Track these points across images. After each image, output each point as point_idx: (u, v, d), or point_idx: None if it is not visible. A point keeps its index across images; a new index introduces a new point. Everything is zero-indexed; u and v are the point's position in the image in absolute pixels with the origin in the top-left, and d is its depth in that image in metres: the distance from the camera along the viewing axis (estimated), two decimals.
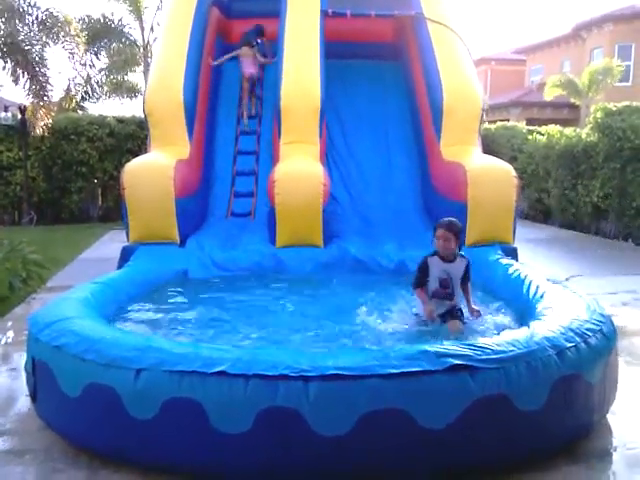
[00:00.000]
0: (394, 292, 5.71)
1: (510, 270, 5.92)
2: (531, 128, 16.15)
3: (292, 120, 8.14)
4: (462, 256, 4.84)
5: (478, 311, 4.83)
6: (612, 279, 8.13)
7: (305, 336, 4.59)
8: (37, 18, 13.94)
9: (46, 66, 14.05)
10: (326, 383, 3.00)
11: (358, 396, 2.99)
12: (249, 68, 9.50)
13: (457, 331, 4.59)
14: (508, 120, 20.63)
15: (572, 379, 3.42)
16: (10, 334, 5.90)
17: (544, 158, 14.15)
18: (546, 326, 3.71)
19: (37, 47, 13.90)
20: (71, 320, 3.95)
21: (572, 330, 3.62)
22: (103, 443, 3.41)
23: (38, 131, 14.45)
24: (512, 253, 6.99)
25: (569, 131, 13.70)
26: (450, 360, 3.11)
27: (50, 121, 14.59)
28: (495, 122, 18.34)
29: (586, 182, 12.58)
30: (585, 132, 12.87)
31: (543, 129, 15.02)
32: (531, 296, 4.90)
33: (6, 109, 15.51)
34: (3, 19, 13.70)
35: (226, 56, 9.64)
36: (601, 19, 27.52)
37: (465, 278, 4.83)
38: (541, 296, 4.71)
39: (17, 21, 13.74)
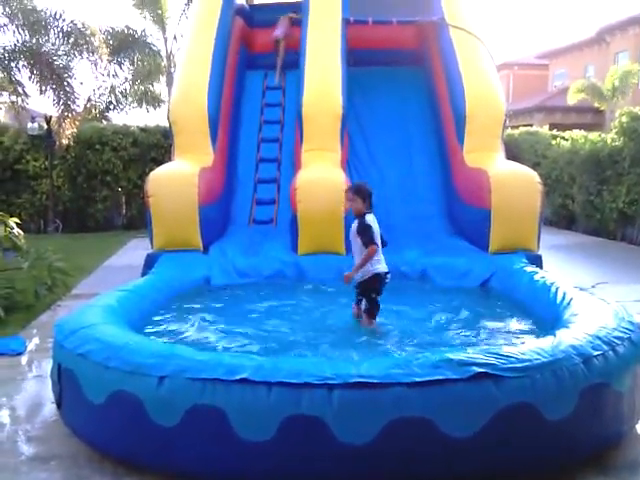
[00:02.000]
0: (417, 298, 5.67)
1: (535, 277, 5.84)
2: (555, 133, 15.99)
3: (314, 127, 8.17)
4: (360, 216, 4.95)
5: (347, 277, 4.91)
6: (639, 287, 7.98)
7: (327, 344, 4.56)
8: (62, 30, 14.14)
9: (71, 77, 14.25)
10: (350, 391, 2.98)
11: (382, 404, 2.98)
12: (276, 31, 10.44)
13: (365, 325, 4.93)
14: (531, 125, 20.45)
15: (600, 388, 3.36)
16: (36, 341, 5.97)
17: (568, 163, 14.00)
18: (572, 334, 3.65)
19: (62, 58, 14.11)
20: (96, 327, 3.99)
21: (599, 338, 3.56)
22: (127, 450, 3.43)
23: (64, 141, 14.67)
24: (536, 261, 6.89)
25: (594, 136, 13.54)
26: (473, 368, 3.08)
27: (75, 130, 14.80)
28: (518, 127, 18.20)
29: (612, 187, 12.42)
30: (610, 137, 12.71)
31: (567, 134, 14.86)
32: (557, 304, 4.82)
33: (33, 120, 15.75)
34: (30, 31, 13.93)
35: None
36: (625, 22, 27.15)
37: (361, 238, 4.87)
38: (568, 304, 4.63)
39: (42, 32, 13.96)
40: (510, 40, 79.50)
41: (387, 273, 5.00)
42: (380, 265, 4.96)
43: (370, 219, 4.94)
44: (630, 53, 26.62)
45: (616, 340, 3.59)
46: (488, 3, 69.37)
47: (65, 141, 14.67)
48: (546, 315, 4.91)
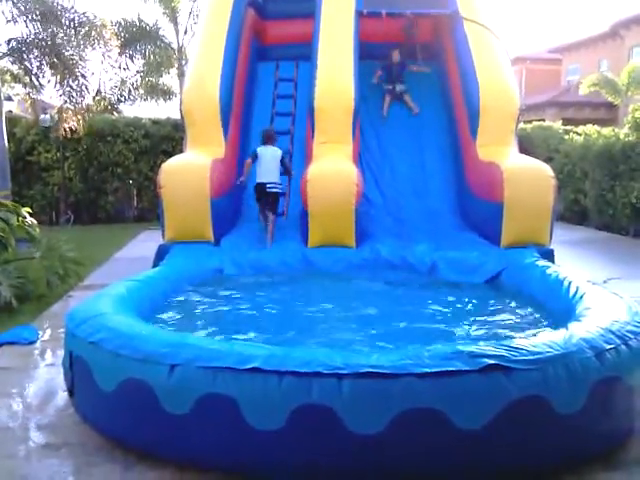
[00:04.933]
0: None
1: (547, 272, 5.81)
2: (568, 128, 15.89)
3: (326, 120, 8.14)
4: None
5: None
6: None
7: (335, 333, 4.57)
8: (73, 21, 14.16)
9: (82, 68, 14.27)
10: (360, 381, 2.98)
11: (392, 395, 2.97)
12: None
13: None
14: (544, 120, 20.32)
15: (612, 382, 3.34)
16: (48, 331, 6.01)
17: (581, 158, 13.90)
18: (585, 327, 3.62)
19: (73, 50, 14.13)
20: (107, 316, 4.01)
21: (612, 332, 3.54)
22: (138, 438, 3.45)
23: (67, 132, 14.63)
24: (548, 255, 6.86)
25: (607, 131, 13.43)
26: (484, 360, 3.07)
27: (81, 122, 14.79)
28: (531, 122, 18.10)
29: (624, 183, 12.32)
30: (623, 132, 12.61)
31: (580, 129, 14.75)
32: (570, 297, 4.80)
33: (45, 111, 15.84)
34: (41, 22, 13.96)
35: None
36: None
37: None
38: (580, 297, 4.61)
39: (53, 24, 13.98)
40: (523, 34, 78.90)
41: (263, 184, 7.54)
42: (258, 177, 7.58)
43: (261, 149, 7.60)
44: None
45: (629, 334, 3.57)
46: None
47: (66, 133, 14.62)
48: (558, 309, 4.89)
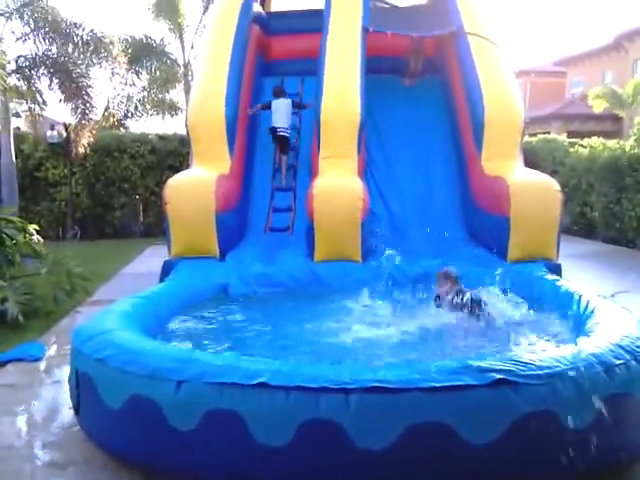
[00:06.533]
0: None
1: (556, 286, 5.77)
2: (573, 141, 15.87)
3: (331, 135, 8.16)
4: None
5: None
6: None
7: (344, 351, 4.54)
8: (82, 39, 14.31)
9: (90, 85, 14.41)
10: (367, 396, 2.96)
11: (400, 409, 2.95)
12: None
13: None
14: (549, 133, 20.32)
15: (621, 398, 3.31)
16: (54, 347, 6.00)
17: (586, 171, 13.87)
18: (594, 342, 3.60)
19: (81, 67, 14.28)
20: (113, 333, 4.00)
21: (622, 347, 3.50)
22: (144, 454, 3.43)
23: (80, 150, 14.82)
24: (556, 270, 6.81)
25: (612, 143, 13.41)
26: (493, 375, 3.05)
27: (92, 139, 14.94)
28: (535, 135, 18.09)
29: (631, 196, 12.27)
30: (629, 144, 12.58)
31: (585, 141, 14.74)
32: (578, 312, 4.76)
33: (52, 128, 15.96)
34: (50, 40, 14.11)
35: None
36: None
37: None
38: (590, 312, 4.57)
39: (63, 41, 14.14)
40: (527, 47, 79.08)
41: (274, 128, 9.01)
42: (272, 122, 9.01)
43: (275, 101, 9.09)
44: None
45: (639, 349, 3.54)
46: (505, 10, 69.23)
47: (81, 149, 14.81)
48: (567, 323, 4.86)
